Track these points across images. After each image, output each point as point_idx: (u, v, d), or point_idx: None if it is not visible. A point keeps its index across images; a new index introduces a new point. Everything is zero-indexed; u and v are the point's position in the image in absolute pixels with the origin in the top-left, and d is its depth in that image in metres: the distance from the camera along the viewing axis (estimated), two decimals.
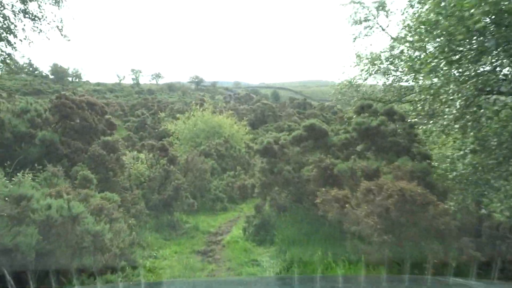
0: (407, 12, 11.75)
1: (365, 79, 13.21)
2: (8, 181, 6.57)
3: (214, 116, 24.18)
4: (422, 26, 6.22)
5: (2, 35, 10.26)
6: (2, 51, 10.60)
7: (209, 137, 21.84)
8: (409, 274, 4.40)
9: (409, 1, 10.74)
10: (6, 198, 5.06)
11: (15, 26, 10.10)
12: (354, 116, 12.54)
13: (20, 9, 10.57)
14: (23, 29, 10.47)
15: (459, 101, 5.44)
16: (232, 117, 25.31)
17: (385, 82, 13.21)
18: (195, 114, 24.06)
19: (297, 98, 55.60)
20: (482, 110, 5.82)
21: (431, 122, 7.51)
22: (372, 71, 13.56)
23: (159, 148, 12.97)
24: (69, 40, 11.33)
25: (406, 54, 9.16)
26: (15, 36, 10.36)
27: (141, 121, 34.64)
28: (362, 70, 13.14)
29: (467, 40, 5.35)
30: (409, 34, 8.27)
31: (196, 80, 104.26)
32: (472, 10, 4.92)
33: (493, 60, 5.40)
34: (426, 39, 6.30)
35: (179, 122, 24.25)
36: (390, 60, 13.35)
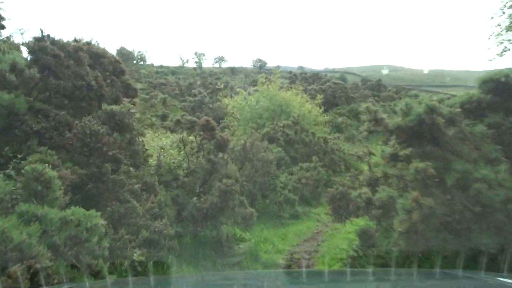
0: None
1: None
2: None
3: (281, 92, 19.28)
4: None
5: None
6: None
7: (274, 118, 17.07)
8: None
9: None
10: None
11: None
12: None
13: None
14: None
15: None
16: (303, 94, 20.26)
17: None
18: (259, 88, 19.24)
19: (370, 80, 49.24)
20: None
21: None
22: None
23: (203, 127, 8.32)
24: None
25: None
26: None
27: (198, 100, 30.53)
28: None
29: None
30: None
31: (259, 63, 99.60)
32: None
33: None
34: None
35: (238, 98, 19.54)
36: None
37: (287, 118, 16.71)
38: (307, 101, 19.75)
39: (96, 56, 7.54)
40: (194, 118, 8.68)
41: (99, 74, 7.23)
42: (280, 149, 14.02)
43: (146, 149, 7.66)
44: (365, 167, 21.73)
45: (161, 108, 31.40)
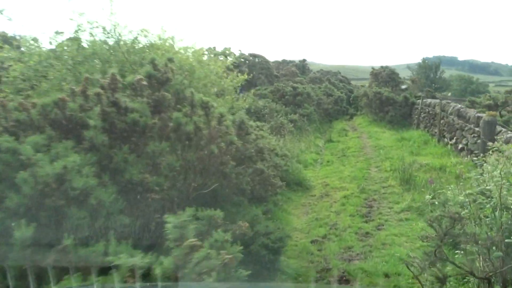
0: None
1: None
2: None
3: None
4: None
5: None
6: None
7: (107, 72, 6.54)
8: None
9: None
10: None
11: None
12: None
13: None
14: None
15: None
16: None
17: None
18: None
19: (292, 60, 40.09)
20: None
21: None
22: None
23: None
24: None
25: None
26: None
27: None
28: None
29: None
30: None
31: None
32: None
33: None
34: None
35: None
36: None
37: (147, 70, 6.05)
38: (203, 54, 9.22)
39: None
40: None
41: None
42: (79, 158, 3.51)
43: None
44: (316, 180, 11.14)
45: None
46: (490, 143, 6.27)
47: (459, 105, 13.15)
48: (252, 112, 19.76)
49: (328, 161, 14.01)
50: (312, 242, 6.91)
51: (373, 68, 22.96)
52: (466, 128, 11.58)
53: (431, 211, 7.76)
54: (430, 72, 67.50)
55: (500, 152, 6.08)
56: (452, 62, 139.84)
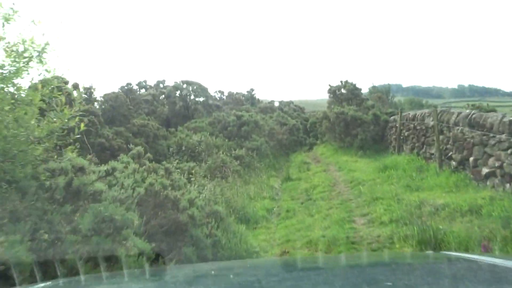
0: None
1: None
2: None
3: None
4: None
5: None
6: None
7: None
8: None
9: None
10: None
11: None
12: None
13: None
14: None
15: None
16: None
17: None
18: None
19: (238, 92, 35.73)
20: None
21: None
22: None
23: None
24: None
25: None
26: None
27: None
28: None
29: None
30: None
31: None
32: None
33: None
34: None
35: None
36: None
37: None
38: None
39: None
40: None
41: None
42: None
43: None
44: (271, 250, 6.21)
45: None
46: None
47: (467, 110, 9.03)
48: (184, 150, 15.03)
49: (288, 211, 9.28)
50: None
51: (330, 85, 18.94)
52: (492, 142, 7.35)
53: None
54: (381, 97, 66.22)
55: None
56: (397, 89, 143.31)
